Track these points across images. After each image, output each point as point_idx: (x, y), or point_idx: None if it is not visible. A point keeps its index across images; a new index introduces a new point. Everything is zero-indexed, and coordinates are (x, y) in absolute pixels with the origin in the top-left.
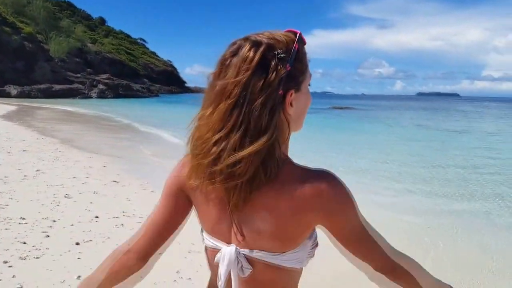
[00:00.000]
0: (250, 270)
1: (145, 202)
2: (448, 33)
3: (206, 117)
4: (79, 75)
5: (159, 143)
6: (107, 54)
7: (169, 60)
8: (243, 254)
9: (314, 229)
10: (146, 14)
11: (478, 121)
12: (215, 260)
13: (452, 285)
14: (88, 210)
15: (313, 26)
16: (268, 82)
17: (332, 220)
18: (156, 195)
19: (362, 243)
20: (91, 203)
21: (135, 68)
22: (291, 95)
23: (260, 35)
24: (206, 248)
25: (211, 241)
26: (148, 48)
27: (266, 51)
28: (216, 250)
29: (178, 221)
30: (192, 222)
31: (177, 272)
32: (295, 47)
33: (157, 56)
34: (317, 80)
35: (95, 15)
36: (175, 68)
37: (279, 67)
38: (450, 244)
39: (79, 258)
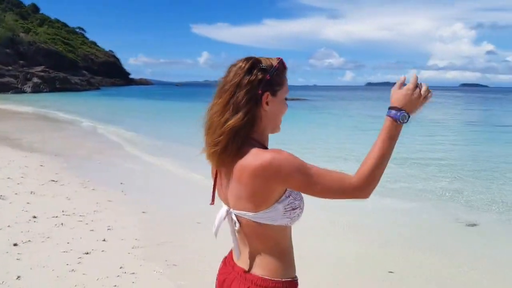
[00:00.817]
0: (239, 224)
1: (86, 200)
2: (396, 23)
3: (214, 105)
4: (10, 67)
5: (100, 140)
6: (42, 45)
7: (110, 51)
8: (231, 212)
9: (282, 196)
10: (84, 1)
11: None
12: (218, 218)
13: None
14: (25, 211)
15: (263, 15)
16: (251, 81)
17: (287, 182)
18: (98, 193)
19: (318, 185)
20: (28, 203)
21: (74, 60)
22: (267, 97)
23: (250, 58)
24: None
25: (223, 205)
26: (87, 38)
27: (254, 63)
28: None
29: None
30: (134, 223)
31: (121, 267)
32: (275, 65)
33: (98, 46)
34: None
35: (27, 2)
36: (117, 59)
37: (259, 73)
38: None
39: (19, 259)
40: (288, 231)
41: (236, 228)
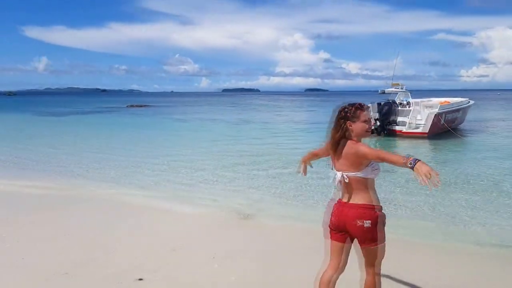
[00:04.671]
0: (348, 179)
1: None
2: (243, 31)
3: (330, 128)
4: None
5: None
6: None
7: None
8: (344, 173)
9: (368, 163)
10: None
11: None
12: (336, 178)
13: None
14: None
15: (108, 18)
16: (341, 117)
17: (364, 157)
18: None
19: (372, 155)
20: None
21: None
22: (349, 125)
23: (347, 104)
24: (335, 176)
25: (335, 172)
26: None
27: (344, 108)
28: (335, 175)
29: (327, 154)
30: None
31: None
32: (351, 109)
33: None
34: (121, 77)
35: None
36: None
37: (342, 114)
38: None
39: None
40: (373, 181)
41: (347, 181)
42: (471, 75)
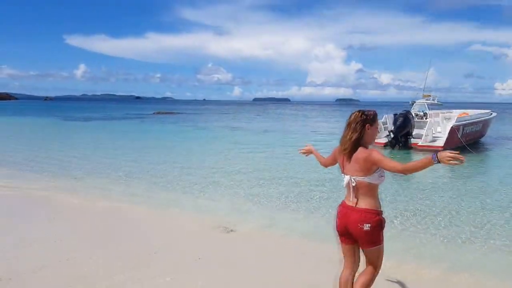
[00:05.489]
0: (355, 182)
1: None
2: (276, 42)
3: (344, 132)
4: None
5: None
6: None
7: None
8: (351, 177)
9: (376, 169)
10: None
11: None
12: (344, 181)
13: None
14: None
15: (146, 29)
16: (360, 120)
17: (375, 163)
18: None
19: (385, 163)
20: None
21: None
22: (368, 128)
23: (364, 110)
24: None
25: (343, 175)
26: None
27: (364, 112)
28: (344, 179)
29: (334, 162)
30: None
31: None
32: (371, 114)
33: None
34: (156, 85)
35: None
36: None
37: (363, 117)
38: None
39: None
40: (378, 186)
41: (354, 185)
42: (506, 88)
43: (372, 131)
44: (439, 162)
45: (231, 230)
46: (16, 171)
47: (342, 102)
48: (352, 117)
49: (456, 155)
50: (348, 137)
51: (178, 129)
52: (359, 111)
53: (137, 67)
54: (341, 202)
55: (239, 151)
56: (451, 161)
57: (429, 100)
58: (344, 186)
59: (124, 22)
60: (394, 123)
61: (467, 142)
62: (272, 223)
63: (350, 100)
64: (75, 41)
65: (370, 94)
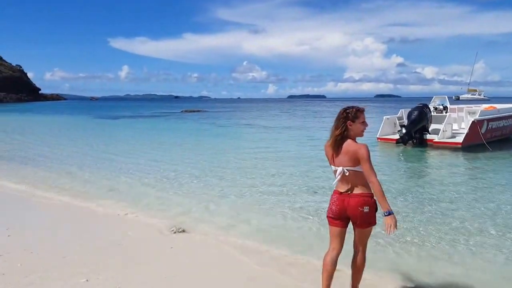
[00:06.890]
0: (348, 172)
1: None
2: (312, 38)
3: (332, 128)
4: None
5: None
6: None
7: (18, 65)
8: (344, 168)
9: None
10: None
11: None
12: (337, 172)
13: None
14: None
15: (182, 30)
16: (342, 117)
17: (359, 159)
18: None
19: (365, 166)
20: None
21: None
22: (350, 125)
23: (347, 107)
24: (335, 170)
25: (335, 167)
26: None
27: (346, 110)
28: (335, 170)
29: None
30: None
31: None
32: (352, 111)
33: (3, 60)
34: (193, 85)
35: None
36: (25, 74)
37: (344, 114)
38: None
39: None
40: None
41: (347, 174)
42: None
43: (355, 127)
44: (387, 215)
45: (183, 231)
46: None
47: (382, 98)
48: (337, 114)
49: (393, 229)
50: (333, 133)
51: (189, 127)
52: (343, 108)
53: (175, 68)
54: (334, 191)
55: (227, 148)
56: (389, 228)
57: (475, 95)
58: (337, 176)
59: (162, 24)
60: (408, 117)
61: (493, 138)
62: (229, 225)
63: (390, 95)
64: (118, 43)
65: (411, 90)
